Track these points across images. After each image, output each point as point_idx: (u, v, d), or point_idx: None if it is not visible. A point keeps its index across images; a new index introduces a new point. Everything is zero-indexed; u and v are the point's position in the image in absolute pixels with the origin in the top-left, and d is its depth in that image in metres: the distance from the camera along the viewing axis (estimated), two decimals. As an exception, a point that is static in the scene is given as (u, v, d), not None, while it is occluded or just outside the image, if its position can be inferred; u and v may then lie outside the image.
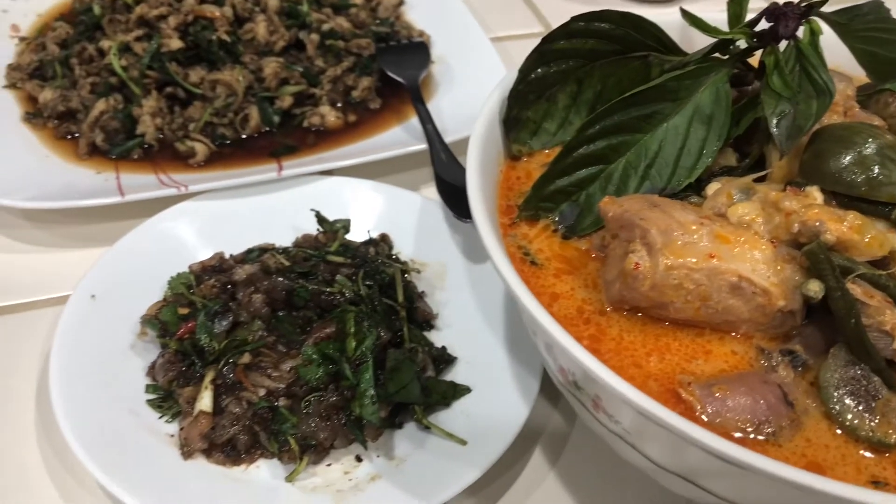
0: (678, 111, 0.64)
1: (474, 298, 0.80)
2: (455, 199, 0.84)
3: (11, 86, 1.00)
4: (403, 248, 0.85)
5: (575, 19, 0.68)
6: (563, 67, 0.70)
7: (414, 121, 1.01)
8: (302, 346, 0.69)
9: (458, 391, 0.71)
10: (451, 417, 0.70)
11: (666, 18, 0.73)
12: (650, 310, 0.57)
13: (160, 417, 0.68)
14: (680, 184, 0.63)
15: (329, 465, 0.67)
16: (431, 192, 0.96)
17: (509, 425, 0.67)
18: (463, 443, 0.66)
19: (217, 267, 0.77)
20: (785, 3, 0.63)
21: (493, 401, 0.70)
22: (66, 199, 0.82)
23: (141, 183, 0.87)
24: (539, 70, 0.69)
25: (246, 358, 0.69)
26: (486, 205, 0.61)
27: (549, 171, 0.64)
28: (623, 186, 0.64)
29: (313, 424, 0.65)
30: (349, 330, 0.68)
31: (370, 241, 0.83)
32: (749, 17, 0.67)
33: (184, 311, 0.73)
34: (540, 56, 0.69)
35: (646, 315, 0.58)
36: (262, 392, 0.67)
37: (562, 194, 0.65)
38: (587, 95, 0.71)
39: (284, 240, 0.84)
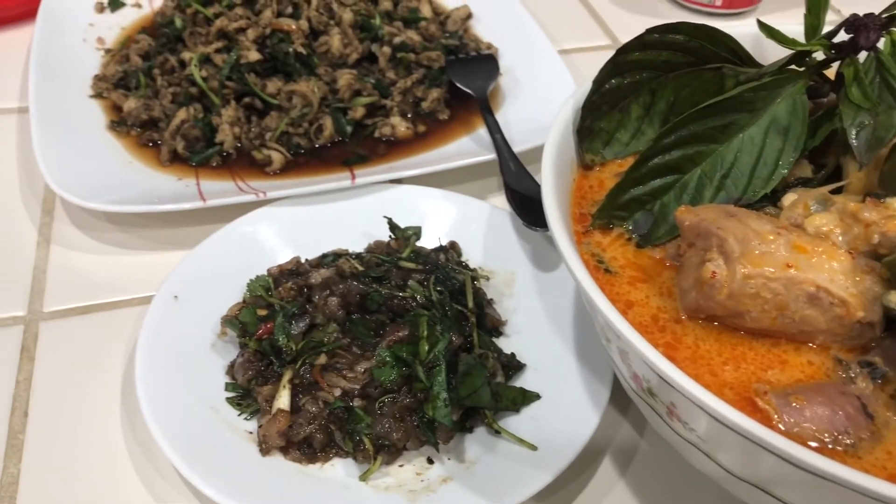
0: (754, 122, 0.64)
1: (542, 307, 0.81)
2: (524, 207, 0.85)
3: (98, 95, 1.04)
4: (472, 256, 0.87)
5: (650, 31, 0.69)
6: (637, 78, 0.71)
7: (481, 131, 1.02)
8: (376, 348, 0.71)
9: (528, 397, 0.72)
10: (520, 423, 0.71)
11: (738, 30, 0.73)
12: (726, 318, 0.58)
13: (239, 415, 0.71)
14: (755, 194, 0.64)
15: (401, 465, 0.68)
16: (498, 200, 0.97)
17: (579, 432, 0.67)
18: (533, 448, 0.67)
19: (294, 270, 0.79)
20: (865, 15, 0.62)
21: (563, 408, 0.71)
22: (149, 203, 0.85)
23: (220, 189, 0.90)
24: (613, 81, 0.70)
25: (322, 359, 0.71)
26: (561, 213, 0.62)
27: (624, 180, 0.65)
28: (698, 196, 0.64)
29: (387, 425, 0.67)
30: (422, 333, 0.70)
31: (440, 248, 0.85)
32: (825, 29, 0.67)
33: (262, 312, 0.75)
34: (614, 67, 0.70)
35: (721, 324, 0.58)
36: (337, 392, 0.69)
37: (636, 203, 0.65)
38: (660, 106, 0.72)
39: (357, 245, 0.86)
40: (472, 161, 0.93)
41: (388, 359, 0.69)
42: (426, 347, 0.69)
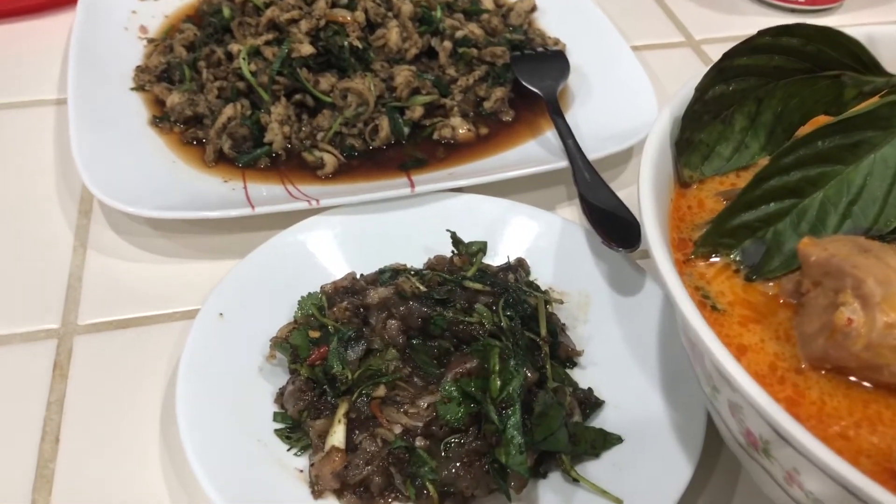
0: (889, 141, 0.56)
1: (621, 334, 0.73)
2: (601, 222, 0.77)
3: (139, 88, 0.98)
4: (541, 275, 0.79)
5: (761, 34, 0.61)
6: (743, 86, 0.62)
7: (549, 135, 0.95)
8: (439, 380, 0.64)
9: (609, 440, 0.64)
10: (599, 469, 0.63)
11: (850, 32, 0.65)
12: (857, 371, 0.50)
13: (288, 450, 0.64)
14: (889, 224, 0.55)
15: (467, 514, 0.61)
16: (568, 212, 0.90)
17: (670, 484, 0.60)
18: (619, 502, 0.60)
19: (349, 288, 0.72)
20: None
21: (649, 453, 0.63)
22: (194, 209, 0.78)
23: (269, 194, 0.83)
24: (717, 88, 0.62)
25: (381, 390, 0.64)
26: (662, 239, 0.54)
27: (735, 203, 0.57)
28: (820, 224, 0.56)
29: (454, 470, 0.60)
30: (493, 368, 0.62)
31: (508, 266, 0.77)
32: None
33: (314, 333, 0.68)
34: (719, 73, 0.62)
35: (849, 376, 0.50)
36: (397, 429, 0.62)
37: (746, 229, 0.57)
38: (766, 117, 0.64)
39: (415, 260, 0.78)
40: (544, 169, 0.85)
41: (454, 394, 0.62)
42: (498, 384, 0.61)
